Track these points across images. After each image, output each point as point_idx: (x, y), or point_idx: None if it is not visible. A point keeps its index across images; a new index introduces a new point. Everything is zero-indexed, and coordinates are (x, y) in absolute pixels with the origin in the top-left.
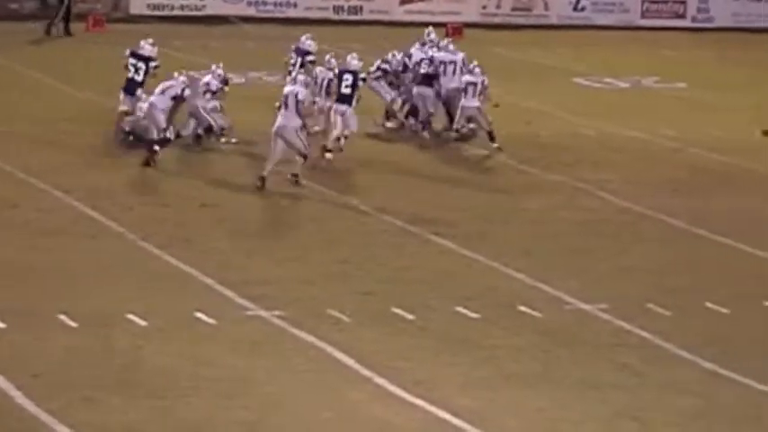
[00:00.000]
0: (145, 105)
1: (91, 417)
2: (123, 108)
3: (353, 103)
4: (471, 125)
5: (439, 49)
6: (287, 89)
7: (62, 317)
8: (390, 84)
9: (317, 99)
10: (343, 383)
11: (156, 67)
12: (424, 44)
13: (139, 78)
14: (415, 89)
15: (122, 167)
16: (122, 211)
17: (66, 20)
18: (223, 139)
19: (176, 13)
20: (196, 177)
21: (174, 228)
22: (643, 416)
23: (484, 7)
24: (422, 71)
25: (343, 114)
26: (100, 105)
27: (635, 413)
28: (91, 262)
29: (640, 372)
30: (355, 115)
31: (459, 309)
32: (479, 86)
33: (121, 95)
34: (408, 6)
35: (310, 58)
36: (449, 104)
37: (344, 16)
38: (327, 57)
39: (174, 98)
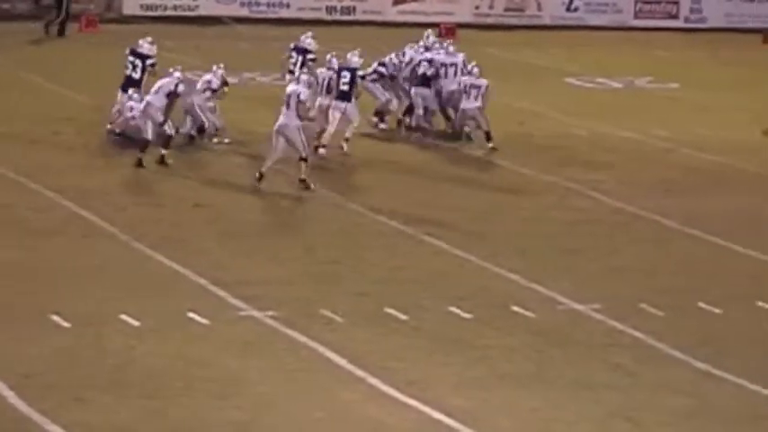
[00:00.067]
0: (133, 104)
1: (83, 417)
2: (119, 107)
3: (353, 99)
4: (467, 129)
5: (441, 48)
6: (289, 88)
7: (54, 317)
8: (385, 86)
9: (320, 98)
10: (336, 383)
11: (153, 64)
12: (428, 48)
13: (137, 76)
14: (414, 89)
15: (115, 167)
16: (115, 212)
17: (64, 21)
18: (215, 140)
19: (169, 13)
20: (189, 177)
21: (168, 228)
22: (636, 416)
23: (477, 8)
24: (420, 71)
25: (343, 111)
26: (92, 106)
27: (628, 413)
28: (83, 262)
29: (633, 372)
30: (357, 108)
31: (453, 309)
32: (483, 90)
33: (119, 94)
34: (401, 7)
35: (311, 56)
36: (448, 106)
37: (337, 17)
38: (329, 56)
39: (169, 95)
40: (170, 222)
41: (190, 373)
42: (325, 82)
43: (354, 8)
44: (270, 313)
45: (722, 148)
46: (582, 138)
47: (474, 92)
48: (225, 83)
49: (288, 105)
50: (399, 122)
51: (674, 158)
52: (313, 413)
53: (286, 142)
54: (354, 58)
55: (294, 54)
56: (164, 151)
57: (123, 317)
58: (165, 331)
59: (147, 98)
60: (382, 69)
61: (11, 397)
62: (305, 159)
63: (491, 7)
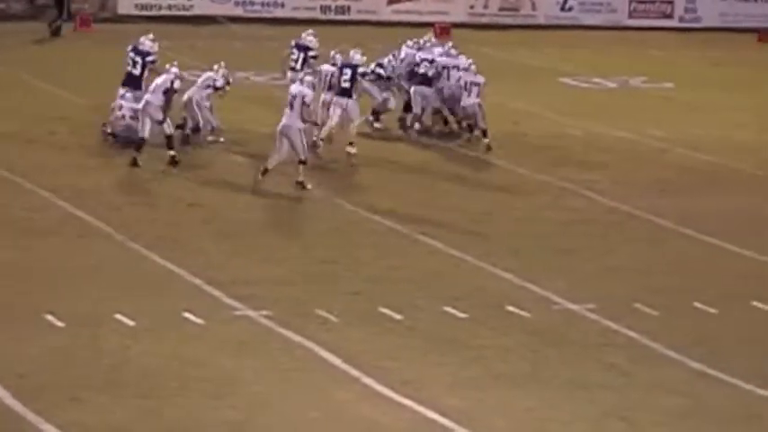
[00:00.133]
0: (122, 103)
1: (78, 417)
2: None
3: (354, 95)
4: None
5: (442, 50)
6: (294, 89)
7: (49, 317)
8: (382, 86)
9: (323, 94)
10: (331, 383)
11: (153, 62)
12: (420, 48)
13: (137, 72)
14: (414, 88)
15: (111, 167)
16: (110, 211)
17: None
18: (210, 137)
19: (164, 12)
20: (184, 177)
21: (163, 228)
22: (631, 415)
23: (471, 7)
24: (421, 71)
25: (344, 108)
26: (87, 105)
27: (623, 413)
28: (79, 262)
29: (628, 372)
30: (357, 105)
31: (448, 309)
32: (481, 86)
33: (120, 90)
34: (396, 6)
35: (312, 53)
36: (447, 107)
37: (332, 16)
38: (332, 53)
39: (166, 92)
40: (165, 222)
41: (185, 373)
42: (328, 78)
43: (349, 8)
44: (264, 313)
45: (717, 147)
46: (576, 137)
47: (474, 89)
48: (227, 82)
49: (291, 107)
50: (402, 121)
51: (668, 158)
52: (308, 413)
53: (289, 144)
54: (357, 56)
55: (295, 51)
56: (171, 152)
57: (118, 317)
58: (160, 331)
59: (146, 97)
60: (380, 70)
61: (6, 397)
62: (304, 162)
63: (486, 7)
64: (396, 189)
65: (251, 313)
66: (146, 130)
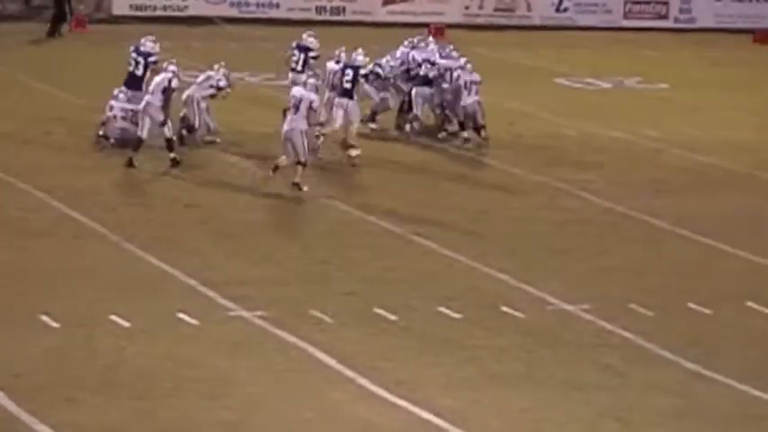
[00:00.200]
0: (114, 103)
1: (73, 417)
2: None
3: (355, 96)
4: (465, 134)
5: (442, 52)
6: (298, 93)
7: (44, 317)
8: (379, 87)
9: (327, 93)
10: (326, 384)
11: (154, 62)
12: (414, 47)
13: (139, 73)
14: (414, 89)
15: (106, 168)
16: (105, 212)
17: (57, 21)
18: (207, 137)
19: (159, 13)
20: (179, 178)
21: (158, 228)
22: (626, 416)
23: (466, 8)
24: (422, 72)
25: (345, 108)
26: (82, 106)
27: (618, 413)
28: (74, 263)
29: (623, 372)
30: (358, 107)
31: (442, 309)
32: (478, 84)
33: (115, 90)
34: (391, 7)
35: (313, 54)
36: (447, 107)
37: (327, 17)
38: (337, 51)
39: (164, 91)
40: (160, 223)
41: (179, 374)
42: (331, 76)
43: (344, 8)
44: (259, 313)
45: (712, 148)
46: (571, 138)
47: (474, 87)
48: (229, 83)
49: (297, 110)
50: (398, 121)
51: (663, 159)
52: (302, 413)
53: (291, 146)
54: (359, 57)
55: (296, 52)
56: (171, 155)
57: (113, 317)
58: (155, 332)
59: (146, 98)
60: (379, 69)
61: (0, 397)
62: (303, 164)
63: (481, 7)
64: (391, 190)
65: (245, 314)
66: (144, 130)
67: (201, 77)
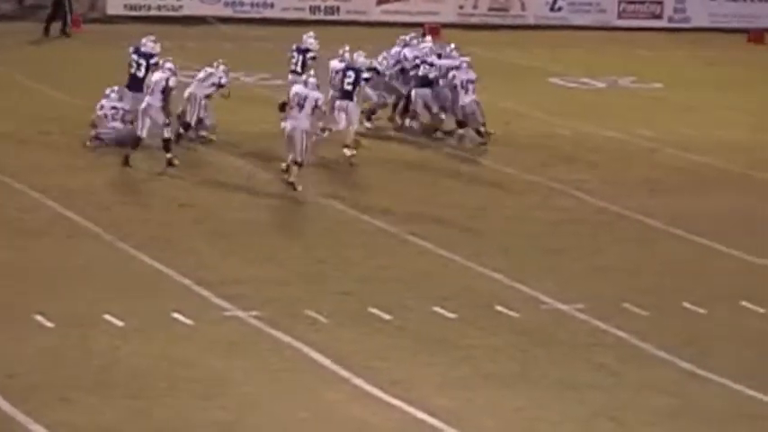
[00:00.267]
0: (104, 102)
1: (68, 417)
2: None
3: (355, 98)
4: (460, 132)
5: (441, 56)
6: (302, 91)
7: (38, 317)
8: (376, 86)
9: (330, 92)
10: (320, 384)
11: (156, 63)
12: (406, 44)
13: (141, 74)
14: (414, 90)
15: (101, 167)
16: (100, 212)
17: (51, 20)
18: (203, 132)
19: (153, 13)
20: (174, 177)
21: (152, 228)
22: (620, 416)
23: (461, 7)
24: (421, 73)
25: (345, 110)
26: (77, 105)
27: (612, 413)
28: (68, 262)
29: (617, 372)
30: (358, 109)
31: (437, 309)
32: (475, 83)
33: (107, 90)
34: (385, 6)
35: (311, 54)
36: (446, 109)
37: (321, 16)
38: (341, 50)
39: (163, 91)
40: (155, 222)
41: (174, 374)
42: (334, 74)
43: (338, 8)
44: (254, 313)
45: (706, 147)
46: (565, 137)
47: (470, 86)
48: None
49: (301, 108)
50: (394, 119)
51: (658, 158)
52: (297, 413)
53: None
54: (360, 59)
55: (295, 54)
56: (168, 155)
57: (108, 317)
58: (150, 332)
59: (147, 99)
60: (377, 66)
61: None
62: (299, 164)
63: (475, 7)
64: (386, 189)
65: (240, 314)
66: (144, 130)
67: (201, 74)
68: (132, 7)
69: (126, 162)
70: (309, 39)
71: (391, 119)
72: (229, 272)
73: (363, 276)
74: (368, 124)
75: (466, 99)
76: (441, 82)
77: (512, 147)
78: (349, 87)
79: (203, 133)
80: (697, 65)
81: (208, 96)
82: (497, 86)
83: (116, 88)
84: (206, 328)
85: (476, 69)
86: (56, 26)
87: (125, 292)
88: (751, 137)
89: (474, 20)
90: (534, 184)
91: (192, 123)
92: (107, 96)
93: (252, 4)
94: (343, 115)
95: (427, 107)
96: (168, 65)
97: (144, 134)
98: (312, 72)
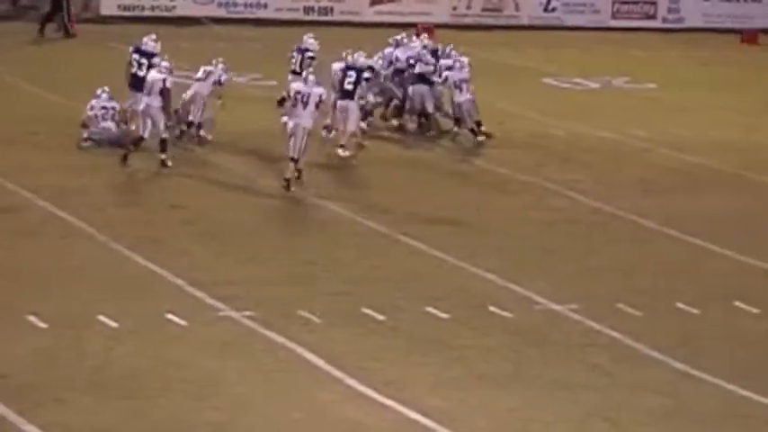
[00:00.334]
0: (93, 102)
1: (61, 417)
2: (128, 105)
3: (355, 98)
4: (456, 129)
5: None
6: (304, 88)
7: (32, 318)
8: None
9: (332, 94)
10: (314, 384)
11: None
12: (398, 44)
13: (142, 74)
14: (411, 88)
15: (94, 168)
16: (93, 212)
17: (47, 20)
18: (201, 131)
19: (147, 14)
20: (167, 178)
21: (146, 229)
22: (614, 416)
23: (454, 8)
24: (417, 71)
25: (345, 110)
26: (69, 106)
27: (606, 413)
28: (61, 263)
29: (611, 372)
30: (358, 109)
31: (430, 309)
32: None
33: (129, 93)
34: (379, 7)
35: (309, 54)
36: (440, 107)
37: (315, 17)
38: (344, 54)
39: (162, 92)
40: (149, 223)
41: (168, 374)
42: (335, 75)
43: (332, 9)
44: (247, 314)
45: (700, 148)
46: (559, 138)
47: (464, 85)
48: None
49: (305, 105)
50: (387, 119)
51: (651, 158)
52: (291, 414)
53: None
54: (361, 59)
55: (295, 54)
56: (163, 155)
57: (101, 318)
58: (144, 332)
59: (145, 99)
60: (374, 64)
61: None
62: (295, 161)
63: (468, 7)
64: (379, 189)
65: (234, 314)
66: (146, 130)
67: (201, 74)
68: (126, 8)
69: (124, 160)
70: (310, 39)
71: (384, 118)
72: (223, 272)
73: (356, 277)
74: (363, 124)
75: (461, 98)
76: (435, 80)
77: (506, 147)
78: (350, 87)
79: (201, 133)
80: (691, 65)
81: (209, 95)
82: (491, 87)
83: (106, 88)
84: (199, 329)
85: (470, 70)
86: (51, 26)
87: (119, 293)
88: (744, 137)
89: (467, 20)
90: (528, 184)
91: (197, 122)
92: (97, 96)
93: (245, 5)
94: (344, 114)
95: (423, 105)
96: (164, 64)
97: (146, 134)
98: (311, 70)
